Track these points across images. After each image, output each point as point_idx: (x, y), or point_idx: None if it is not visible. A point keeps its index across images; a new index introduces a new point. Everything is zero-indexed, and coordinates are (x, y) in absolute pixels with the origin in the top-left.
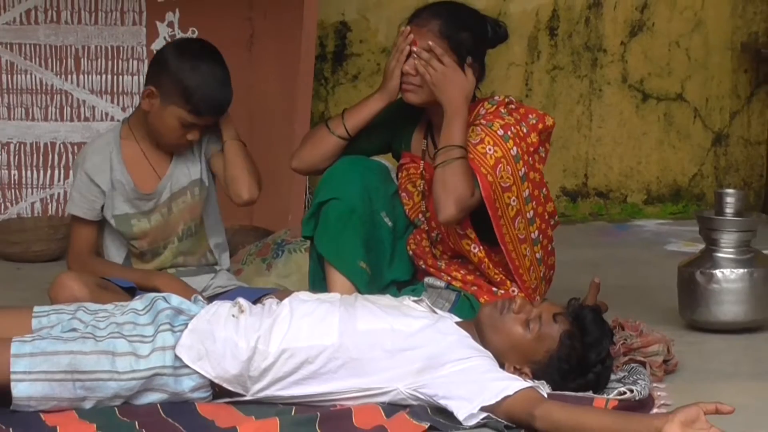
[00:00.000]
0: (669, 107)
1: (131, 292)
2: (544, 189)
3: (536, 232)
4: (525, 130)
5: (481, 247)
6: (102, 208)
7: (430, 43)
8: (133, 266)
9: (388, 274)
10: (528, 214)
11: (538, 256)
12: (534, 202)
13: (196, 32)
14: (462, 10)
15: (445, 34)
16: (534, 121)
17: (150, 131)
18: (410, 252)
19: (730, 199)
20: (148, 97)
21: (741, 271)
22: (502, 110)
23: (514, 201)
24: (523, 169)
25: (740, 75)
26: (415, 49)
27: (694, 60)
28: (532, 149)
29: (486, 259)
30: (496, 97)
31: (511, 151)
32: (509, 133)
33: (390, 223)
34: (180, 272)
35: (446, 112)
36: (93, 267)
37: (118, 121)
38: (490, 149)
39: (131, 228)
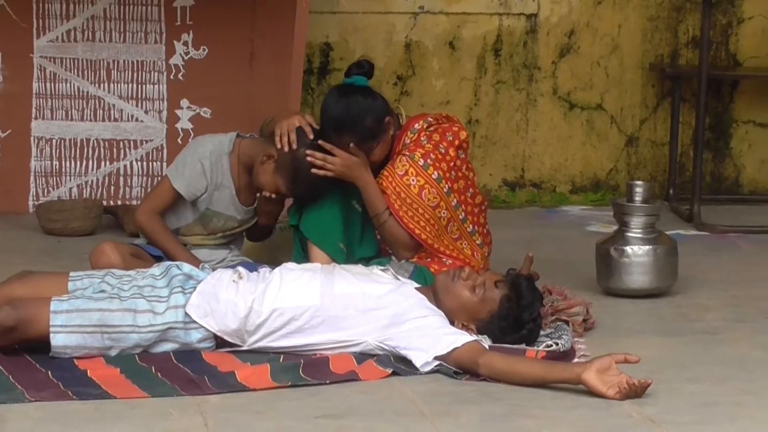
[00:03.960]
0: (591, 115)
1: (159, 259)
2: (471, 189)
3: (471, 226)
4: (443, 150)
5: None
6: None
7: (320, 142)
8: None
9: (358, 252)
10: (460, 216)
11: (478, 242)
12: (463, 205)
13: (207, 50)
14: (339, 119)
15: (336, 142)
16: (450, 138)
17: (250, 169)
18: (379, 238)
19: (639, 190)
20: (268, 158)
21: (647, 247)
22: (422, 138)
23: (444, 213)
24: (446, 186)
25: (648, 89)
26: (308, 152)
27: (611, 77)
28: (452, 164)
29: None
30: (416, 125)
31: (432, 175)
32: (429, 160)
33: (360, 210)
34: (208, 245)
35: (358, 186)
36: (154, 223)
37: (142, 122)
38: (413, 180)
39: (211, 220)
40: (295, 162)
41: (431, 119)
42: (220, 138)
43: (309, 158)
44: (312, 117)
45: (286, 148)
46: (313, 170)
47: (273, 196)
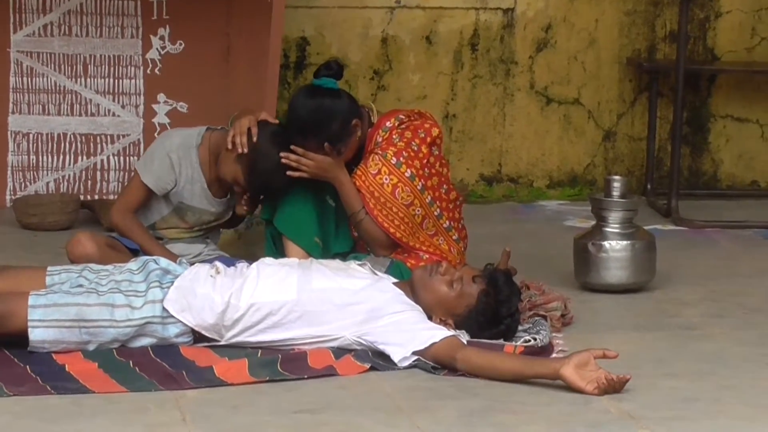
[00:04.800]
0: (568, 109)
1: (135, 252)
2: (445, 185)
3: (447, 222)
4: (415, 148)
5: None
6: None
7: (292, 146)
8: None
9: (334, 246)
10: (435, 213)
11: (454, 238)
12: (437, 202)
13: (183, 44)
14: (304, 121)
15: (300, 143)
16: (423, 135)
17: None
18: (355, 236)
19: (617, 185)
20: (232, 151)
21: (624, 242)
22: (394, 136)
23: (418, 210)
24: (420, 183)
25: (626, 84)
26: (282, 154)
27: (588, 71)
28: (425, 161)
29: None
30: (388, 123)
31: (405, 173)
32: (401, 159)
33: (333, 204)
34: (185, 239)
35: (335, 186)
36: (128, 222)
37: (118, 116)
38: (386, 179)
39: (185, 214)
40: (255, 154)
41: (403, 116)
42: (188, 131)
43: (283, 160)
44: (267, 113)
45: (239, 150)
46: (289, 172)
47: (245, 197)
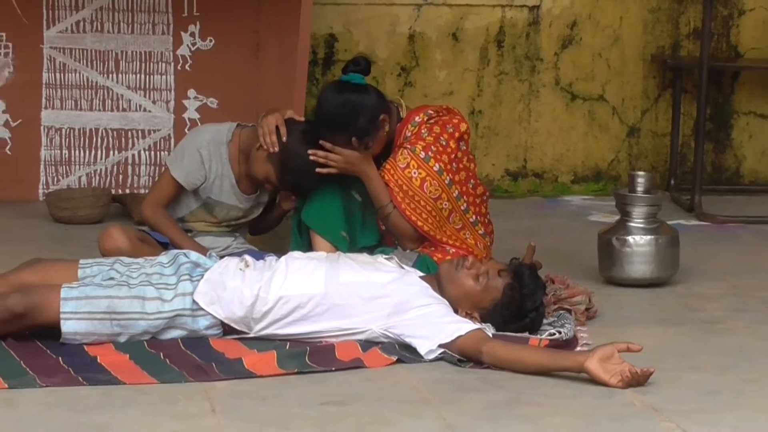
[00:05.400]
0: (592, 106)
1: (165, 246)
2: (472, 180)
3: (473, 216)
4: (444, 142)
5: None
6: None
7: (320, 142)
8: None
9: (361, 240)
10: (462, 207)
11: (480, 232)
12: (465, 196)
13: (213, 41)
14: (332, 117)
15: (328, 138)
16: (451, 130)
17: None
18: (383, 228)
19: (641, 180)
20: (263, 150)
21: (648, 237)
22: (423, 131)
23: (446, 204)
24: (447, 177)
25: (650, 80)
26: (311, 150)
27: (613, 68)
28: (453, 156)
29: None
30: (417, 118)
31: (434, 168)
32: (430, 153)
33: (359, 199)
34: (213, 232)
35: (363, 180)
36: (158, 216)
37: (149, 112)
38: (415, 172)
39: (213, 209)
40: (286, 153)
41: (431, 111)
42: (218, 127)
43: (312, 157)
44: (293, 112)
45: (270, 149)
46: (318, 169)
47: (285, 202)
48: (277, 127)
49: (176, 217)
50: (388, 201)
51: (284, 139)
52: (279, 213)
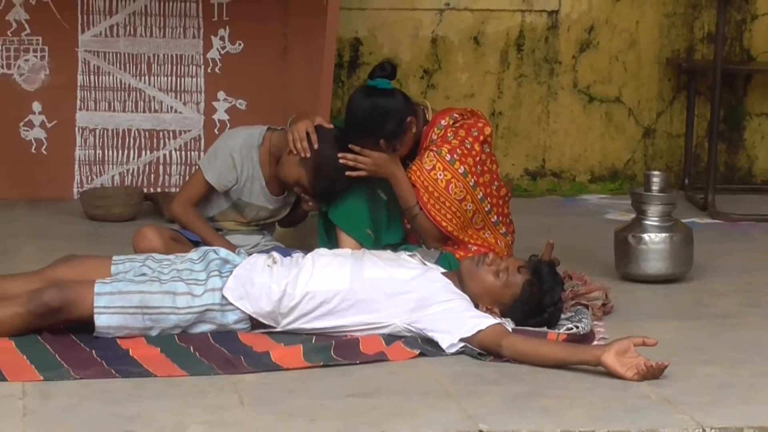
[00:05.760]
0: (609, 107)
1: (196, 244)
2: (496, 182)
3: (495, 217)
4: (469, 146)
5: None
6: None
7: (349, 145)
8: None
9: (385, 238)
10: (485, 208)
11: (502, 231)
12: (488, 198)
13: (242, 44)
14: (361, 121)
15: (357, 142)
16: (476, 133)
17: (278, 162)
18: (407, 228)
19: (656, 179)
20: (295, 155)
21: (663, 235)
22: (449, 134)
23: (470, 206)
24: (472, 180)
25: (665, 83)
26: (341, 154)
27: (629, 71)
28: (477, 159)
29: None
30: (443, 121)
31: (459, 170)
32: (455, 156)
33: (385, 198)
34: (242, 231)
35: (390, 182)
36: (189, 215)
37: (180, 113)
38: (440, 174)
39: (243, 210)
40: (319, 159)
41: (457, 115)
42: (250, 131)
43: (341, 161)
44: (322, 118)
45: (302, 154)
46: (348, 173)
47: (310, 202)
48: (308, 134)
49: (206, 216)
50: (415, 202)
51: (315, 146)
52: (304, 210)
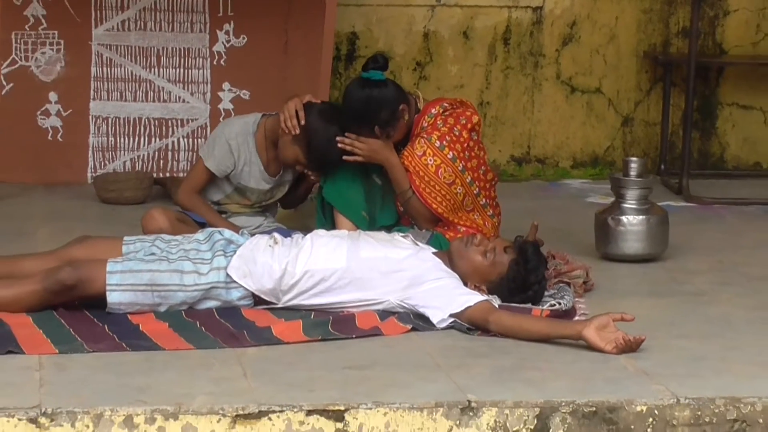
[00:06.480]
0: (590, 98)
1: (202, 225)
2: (483, 167)
3: (484, 200)
4: (457, 133)
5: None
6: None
7: (346, 133)
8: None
9: (380, 220)
10: (474, 191)
11: (489, 214)
12: (477, 182)
13: (246, 39)
14: (356, 111)
15: (353, 130)
16: (464, 122)
17: (276, 143)
18: (400, 210)
19: (634, 165)
20: (287, 135)
21: (641, 217)
22: (439, 122)
23: (459, 189)
24: (461, 165)
25: (642, 75)
26: (338, 138)
27: (609, 63)
28: (465, 145)
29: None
30: (433, 110)
31: (448, 155)
32: (444, 142)
33: (379, 182)
34: (246, 213)
35: (385, 167)
36: (194, 201)
37: (188, 103)
38: (431, 160)
39: (245, 193)
40: (308, 132)
41: (447, 104)
42: (245, 119)
43: (339, 144)
44: (311, 96)
45: (292, 132)
46: (345, 157)
47: (311, 176)
48: (297, 111)
49: (212, 201)
50: (408, 187)
51: (302, 122)
52: (306, 187)
